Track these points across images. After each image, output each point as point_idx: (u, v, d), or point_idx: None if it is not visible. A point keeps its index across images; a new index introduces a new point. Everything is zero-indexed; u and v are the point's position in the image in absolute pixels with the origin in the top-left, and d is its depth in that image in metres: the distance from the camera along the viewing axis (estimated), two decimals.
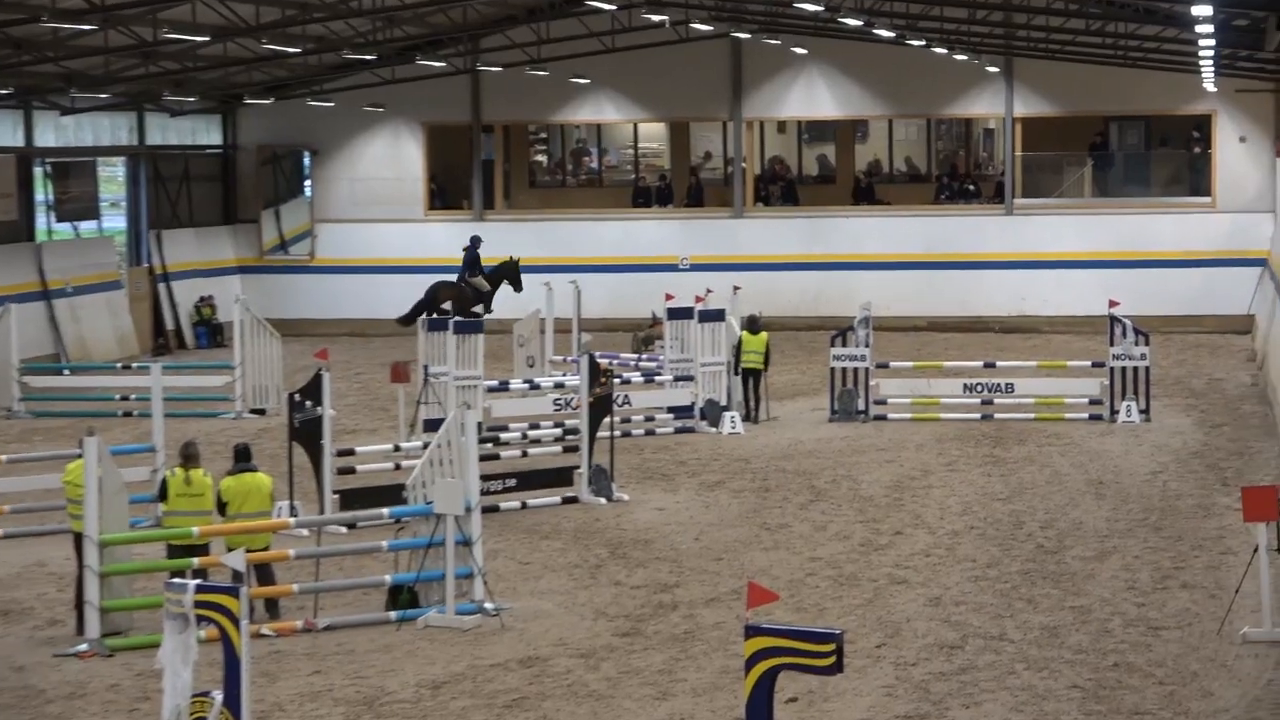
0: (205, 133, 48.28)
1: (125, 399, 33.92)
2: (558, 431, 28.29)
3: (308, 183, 49.11)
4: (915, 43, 41.86)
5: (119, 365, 37.47)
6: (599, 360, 27.36)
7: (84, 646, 18.67)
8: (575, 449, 26.51)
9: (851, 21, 36.61)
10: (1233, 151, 45.50)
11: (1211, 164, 45.90)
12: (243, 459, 20.28)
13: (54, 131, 42.13)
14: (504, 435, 28.22)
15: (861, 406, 32.56)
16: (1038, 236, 46.25)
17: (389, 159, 48.48)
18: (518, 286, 41.57)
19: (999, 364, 34.70)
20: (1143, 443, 30.03)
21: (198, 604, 13.48)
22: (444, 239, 47.35)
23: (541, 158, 54.99)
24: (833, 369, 32.89)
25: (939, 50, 43.50)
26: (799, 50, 45.91)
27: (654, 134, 53.37)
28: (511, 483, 25.81)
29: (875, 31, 38.76)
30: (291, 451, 24.31)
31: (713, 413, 31.78)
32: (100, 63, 37.60)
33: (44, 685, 17.66)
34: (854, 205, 48.78)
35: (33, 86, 39.25)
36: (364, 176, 48.47)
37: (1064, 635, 18.73)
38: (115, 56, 36.89)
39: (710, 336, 32.11)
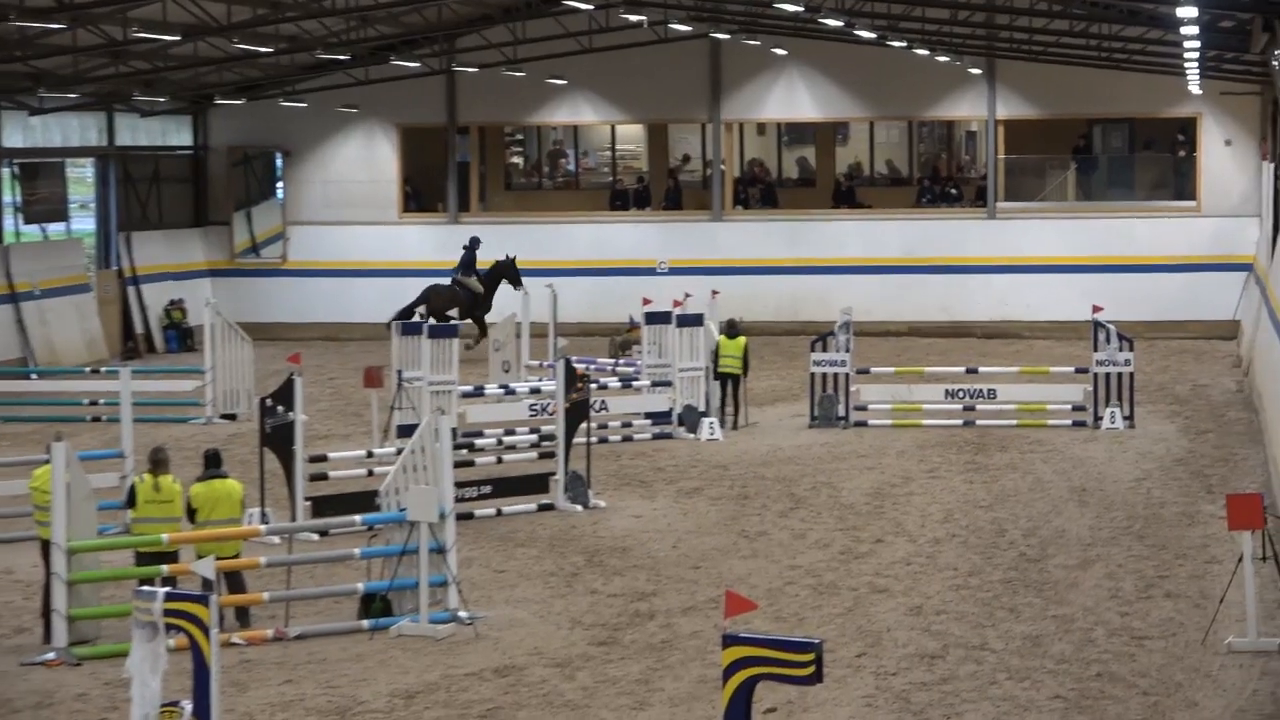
0: (176, 133, 48.16)
1: (94, 404, 33.80)
2: (533, 437, 28.21)
3: (280, 185, 49.03)
4: (897, 44, 41.81)
5: (87, 369, 37.42)
6: (576, 365, 27.31)
7: (51, 655, 18.55)
8: (551, 455, 26.42)
9: (832, 22, 36.52)
10: (1218, 155, 45.50)
11: (1196, 167, 45.91)
12: (213, 465, 20.20)
13: (22, 132, 41.97)
14: (479, 441, 28.03)
15: (842, 412, 32.48)
16: (1020, 240, 46.19)
17: (362, 161, 48.37)
18: (517, 284, 41.19)
19: (981, 369, 34.64)
20: (1126, 449, 29.98)
21: (167, 612, 13.40)
22: (418, 242, 47.38)
23: (518, 160, 54.89)
24: (813, 374, 32.78)
25: (921, 51, 43.48)
26: (779, 51, 45.91)
27: (632, 136, 53.29)
28: (486, 489, 25.74)
29: (856, 32, 38.67)
30: (263, 457, 24.26)
31: (691, 419, 31.70)
32: (69, 62, 37.43)
33: (10, 694, 17.50)
34: (834, 208, 48.69)
35: (0, 86, 38.91)
36: (337, 178, 48.38)
37: (1046, 645, 18.64)
38: (84, 56, 36.76)
39: (688, 341, 32.08)
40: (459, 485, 22.18)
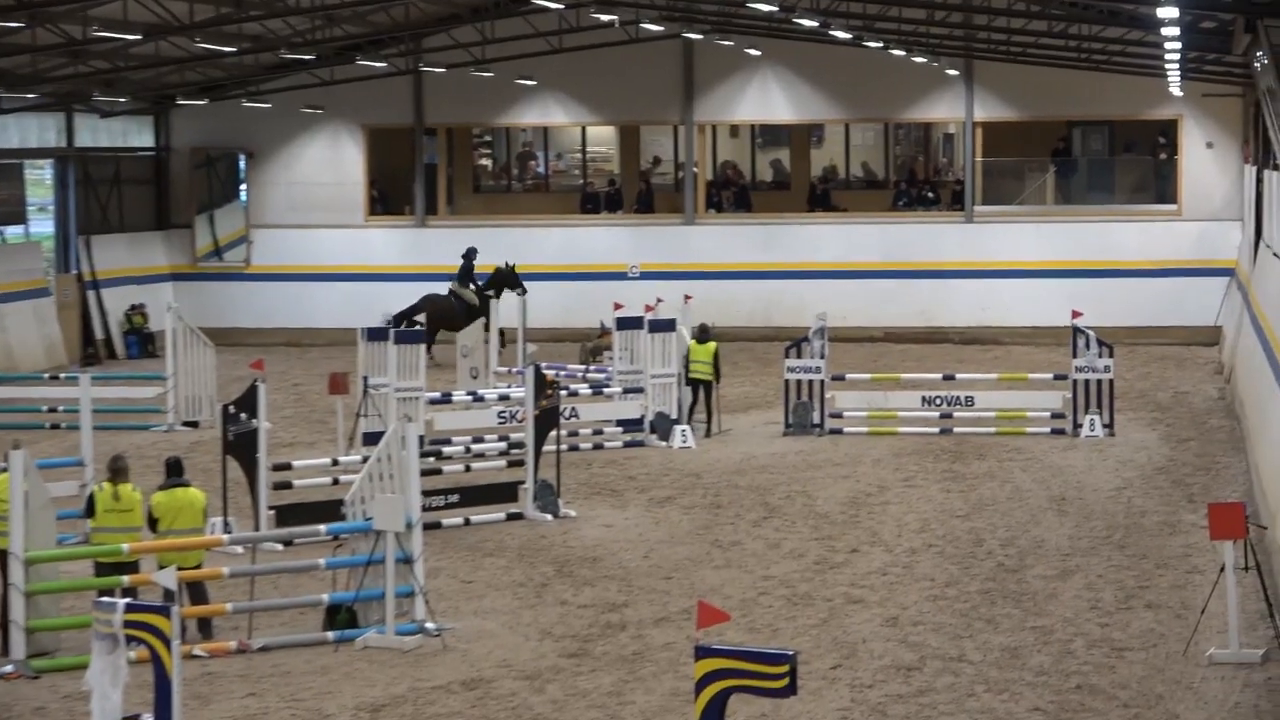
0: (137, 134, 47.93)
1: (53, 410, 33.74)
2: (502, 445, 28.14)
3: (243, 187, 48.86)
4: (873, 44, 41.73)
5: (46, 375, 37.15)
6: (545, 372, 27.34)
7: (9, 668, 18.44)
8: (520, 463, 26.36)
9: (807, 22, 36.43)
10: (1199, 158, 45.49)
11: (1177, 170, 45.94)
12: (175, 473, 20.18)
13: None
14: (446, 449, 28.08)
15: (817, 420, 32.38)
16: (998, 244, 46.13)
17: (328, 162, 48.22)
18: (519, 289, 40.82)
19: (958, 376, 34.42)
20: (1106, 458, 29.95)
21: (127, 624, 13.41)
22: (384, 245, 47.33)
23: (486, 162, 54.76)
24: (787, 381, 32.69)
25: (897, 52, 43.43)
26: (753, 52, 45.85)
27: (603, 137, 53.19)
28: (454, 498, 25.63)
29: (831, 32, 38.53)
30: (225, 466, 24.13)
31: (663, 426, 31.61)
32: (27, 61, 37.18)
33: None
34: (809, 212, 48.66)
35: None
36: (302, 180, 48.21)
37: (1025, 656, 18.63)
38: (43, 55, 36.49)
39: (660, 347, 31.96)
40: (426, 494, 22.19)
